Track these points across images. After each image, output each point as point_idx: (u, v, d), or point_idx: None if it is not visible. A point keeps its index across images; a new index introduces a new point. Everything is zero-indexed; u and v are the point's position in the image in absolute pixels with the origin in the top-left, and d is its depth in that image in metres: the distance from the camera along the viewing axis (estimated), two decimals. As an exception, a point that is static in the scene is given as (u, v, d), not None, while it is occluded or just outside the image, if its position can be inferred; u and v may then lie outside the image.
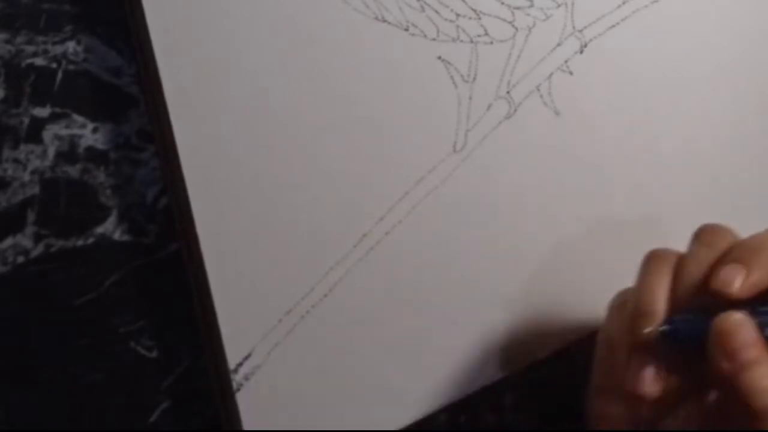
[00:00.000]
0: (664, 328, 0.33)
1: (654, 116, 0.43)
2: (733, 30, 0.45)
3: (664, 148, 0.44)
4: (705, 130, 0.45)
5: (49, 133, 0.32)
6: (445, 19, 0.38)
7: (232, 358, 0.34)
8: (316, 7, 0.35)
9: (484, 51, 0.39)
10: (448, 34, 0.38)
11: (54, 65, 0.32)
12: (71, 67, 0.33)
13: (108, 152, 0.33)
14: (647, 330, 0.33)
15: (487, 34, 0.39)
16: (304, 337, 0.35)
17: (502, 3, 0.39)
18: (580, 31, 0.41)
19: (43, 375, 0.32)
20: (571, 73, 0.41)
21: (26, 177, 0.32)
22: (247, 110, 0.34)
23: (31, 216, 0.32)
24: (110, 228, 0.33)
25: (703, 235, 0.35)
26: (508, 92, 0.39)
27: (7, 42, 0.32)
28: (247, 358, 0.34)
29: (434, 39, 0.37)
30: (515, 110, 0.40)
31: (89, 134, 0.33)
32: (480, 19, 0.38)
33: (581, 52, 0.41)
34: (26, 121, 0.32)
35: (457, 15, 0.38)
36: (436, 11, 0.37)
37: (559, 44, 0.40)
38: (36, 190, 0.32)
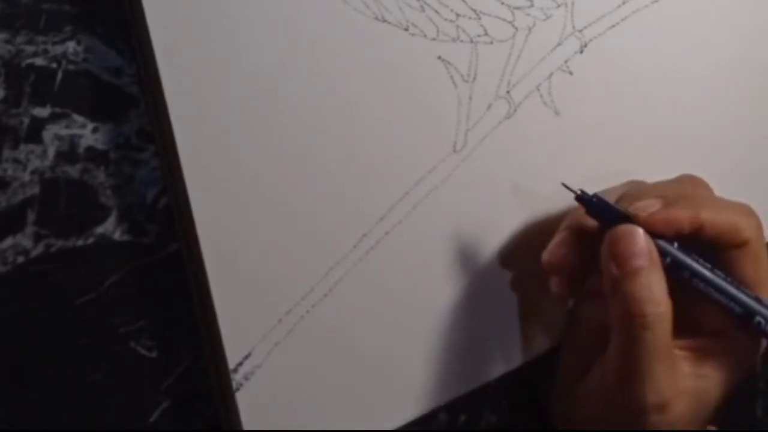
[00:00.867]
0: (583, 193, 0.36)
1: (654, 116, 0.43)
2: (733, 30, 0.45)
3: (664, 148, 0.44)
4: (705, 130, 0.45)
5: (49, 133, 0.32)
6: (445, 19, 0.38)
7: (231, 358, 0.34)
8: (316, 7, 0.35)
9: (484, 51, 0.39)
10: (448, 34, 0.38)
11: (54, 65, 0.32)
12: (71, 67, 0.33)
13: (108, 152, 0.33)
14: (575, 196, 0.36)
15: (487, 34, 0.39)
16: (304, 337, 0.35)
17: (502, 3, 0.39)
18: (580, 31, 0.41)
19: (43, 375, 0.32)
20: (571, 73, 0.41)
21: (26, 177, 0.32)
22: (247, 110, 0.34)
23: (31, 216, 0.32)
24: (110, 228, 0.33)
25: (681, 177, 0.39)
26: (508, 92, 0.39)
27: (7, 42, 0.32)
28: (246, 357, 0.34)
29: (434, 39, 0.37)
30: (515, 110, 0.40)
31: (89, 134, 0.33)
32: (480, 19, 0.38)
33: (581, 52, 0.41)
34: (26, 121, 0.32)
35: (457, 15, 0.38)
36: (436, 11, 0.37)
37: (559, 44, 0.40)
38: (36, 190, 0.32)
